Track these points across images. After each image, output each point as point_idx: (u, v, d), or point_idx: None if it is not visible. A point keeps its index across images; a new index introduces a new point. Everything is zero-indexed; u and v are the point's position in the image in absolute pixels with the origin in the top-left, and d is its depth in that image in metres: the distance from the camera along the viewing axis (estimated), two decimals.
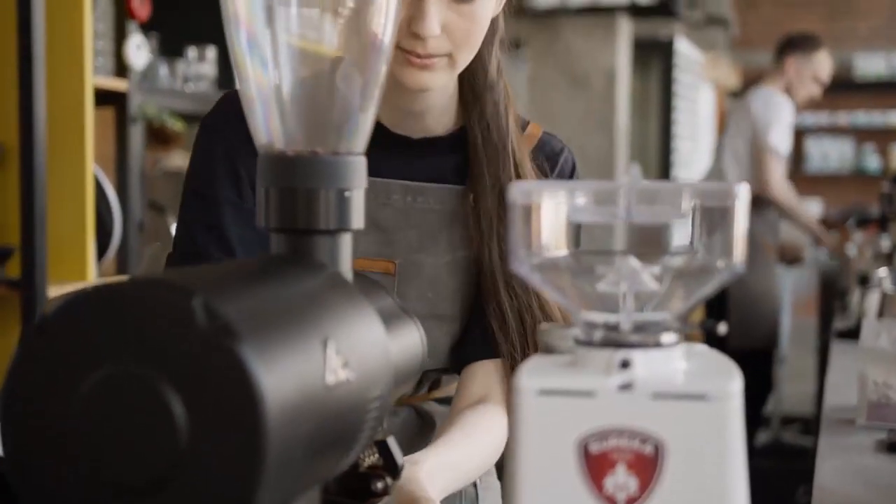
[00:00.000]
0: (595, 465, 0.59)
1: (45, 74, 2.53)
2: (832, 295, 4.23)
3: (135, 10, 3.02)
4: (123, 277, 3.16)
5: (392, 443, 0.74)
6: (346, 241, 0.68)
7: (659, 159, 6.61)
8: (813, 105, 4.50)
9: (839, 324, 3.05)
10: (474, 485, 1.31)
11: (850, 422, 1.65)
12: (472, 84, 1.26)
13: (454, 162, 1.27)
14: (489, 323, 1.23)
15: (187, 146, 4.06)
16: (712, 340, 4.05)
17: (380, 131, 1.22)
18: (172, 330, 0.51)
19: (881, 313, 2.34)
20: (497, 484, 1.35)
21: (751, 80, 5.62)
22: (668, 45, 6.44)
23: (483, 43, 1.20)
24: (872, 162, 8.54)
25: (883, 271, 2.62)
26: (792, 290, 5.35)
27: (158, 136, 4.19)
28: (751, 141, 4.21)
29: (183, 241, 1.21)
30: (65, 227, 2.72)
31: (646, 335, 0.60)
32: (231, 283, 0.57)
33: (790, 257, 4.88)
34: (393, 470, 0.74)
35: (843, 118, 8.51)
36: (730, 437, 0.58)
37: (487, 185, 1.23)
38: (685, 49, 6.72)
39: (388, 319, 0.69)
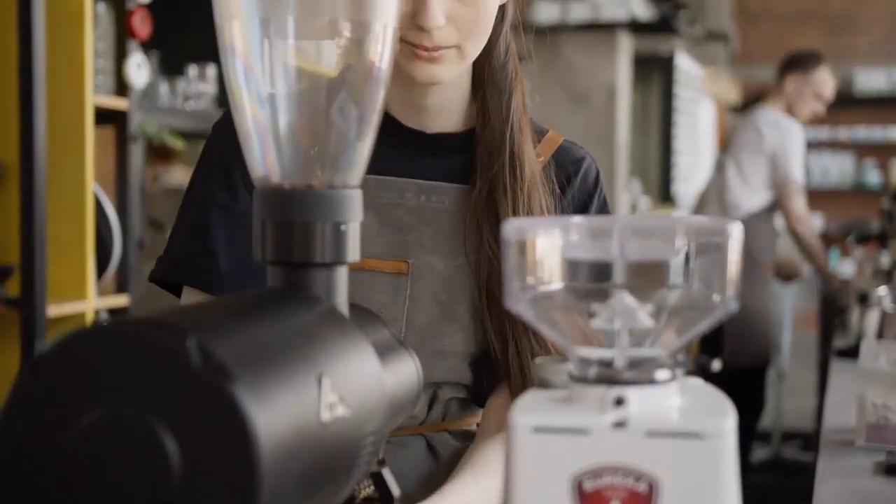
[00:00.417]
0: (589, 503, 0.59)
1: (45, 93, 2.53)
2: (832, 312, 4.23)
3: (135, 29, 3.02)
4: (123, 296, 3.13)
5: (387, 474, 0.74)
6: (342, 274, 0.68)
7: (659, 174, 6.62)
8: (813, 120, 4.50)
9: (839, 342, 3.05)
10: None
11: (849, 443, 1.65)
12: (479, 74, 1.23)
13: (468, 160, 1.23)
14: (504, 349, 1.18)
15: (188, 162, 4.07)
16: (708, 349, 4.06)
17: (392, 125, 1.21)
18: (167, 370, 0.51)
19: (881, 332, 2.34)
20: None
21: (751, 96, 5.62)
22: (669, 61, 6.46)
23: (492, 31, 1.17)
24: (873, 177, 8.55)
25: (882, 289, 2.62)
26: (792, 305, 5.36)
27: (159, 152, 4.19)
28: (764, 164, 4.20)
29: (171, 244, 1.22)
30: (64, 245, 2.72)
31: (640, 372, 0.60)
32: (226, 320, 0.57)
33: (787, 274, 4.88)
34: (388, 502, 0.74)
35: (844, 133, 8.53)
36: (724, 474, 0.58)
37: (486, 185, 1.20)
38: (685, 64, 6.74)
39: (384, 352, 0.70)
